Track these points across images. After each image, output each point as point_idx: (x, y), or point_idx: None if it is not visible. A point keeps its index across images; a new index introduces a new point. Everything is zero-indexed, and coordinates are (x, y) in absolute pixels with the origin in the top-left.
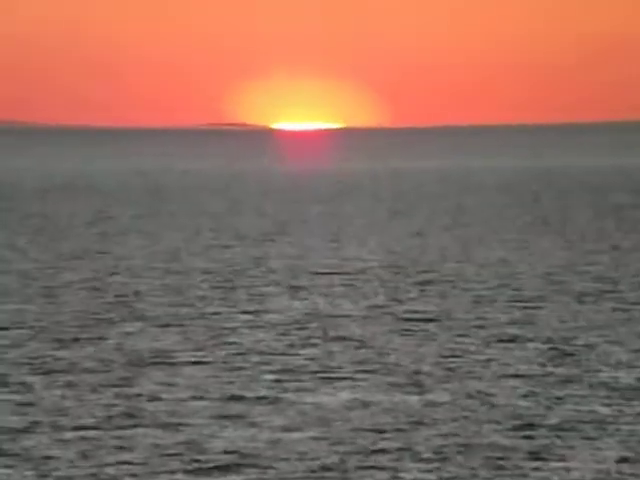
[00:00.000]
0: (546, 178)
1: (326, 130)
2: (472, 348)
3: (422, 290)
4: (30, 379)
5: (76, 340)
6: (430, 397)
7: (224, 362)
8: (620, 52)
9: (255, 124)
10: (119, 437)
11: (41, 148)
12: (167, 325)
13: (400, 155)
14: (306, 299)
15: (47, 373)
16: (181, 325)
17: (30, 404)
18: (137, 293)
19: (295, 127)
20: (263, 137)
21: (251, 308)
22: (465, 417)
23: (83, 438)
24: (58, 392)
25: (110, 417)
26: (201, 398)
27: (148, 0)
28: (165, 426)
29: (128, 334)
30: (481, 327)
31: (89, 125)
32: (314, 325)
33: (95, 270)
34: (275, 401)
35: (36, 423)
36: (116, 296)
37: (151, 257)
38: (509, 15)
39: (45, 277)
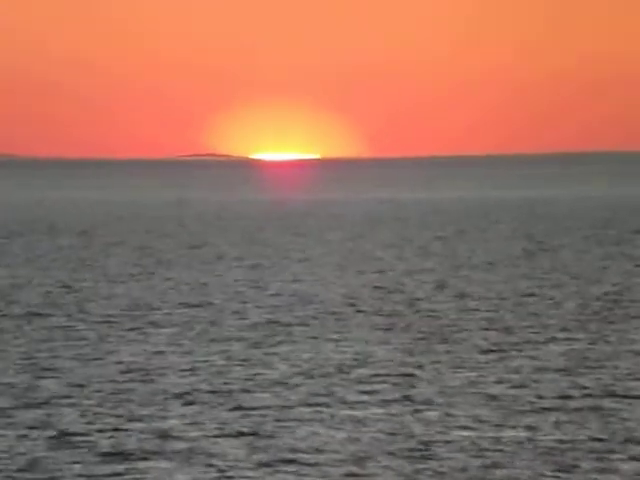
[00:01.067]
0: (534, 208)
1: (305, 160)
2: (520, 379)
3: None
4: (61, 411)
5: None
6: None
7: (250, 396)
8: (620, 80)
9: (235, 155)
10: (144, 472)
11: (24, 180)
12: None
13: (384, 185)
14: (326, 334)
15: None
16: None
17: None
18: (154, 324)
19: (274, 157)
20: (245, 167)
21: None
22: (488, 449)
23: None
24: (82, 420)
25: (136, 452)
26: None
27: (127, 32)
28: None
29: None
30: (527, 358)
31: (68, 157)
32: (351, 364)
33: (104, 308)
34: (309, 437)
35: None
36: (129, 329)
37: (152, 294)
38: (488, 42)
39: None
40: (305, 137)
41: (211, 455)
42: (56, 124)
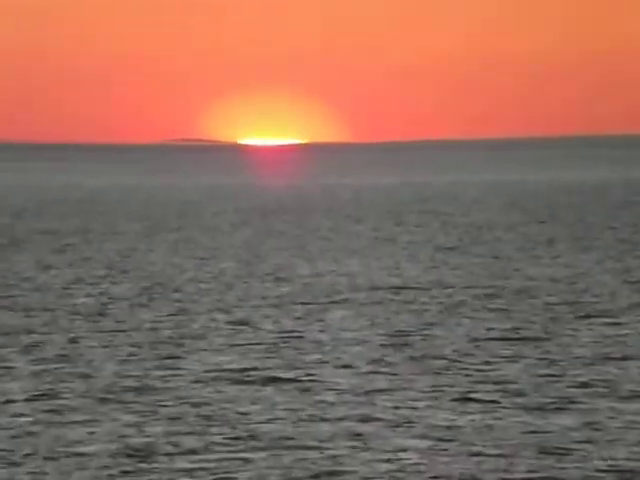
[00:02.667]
0: (534, 192)
1: (292, 145)
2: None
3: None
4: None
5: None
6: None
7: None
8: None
9: (224, 140)
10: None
11: (14, 164)
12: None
13: (375, 170)
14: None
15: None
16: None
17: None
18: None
19: (262, 143)
20: (235, 152)
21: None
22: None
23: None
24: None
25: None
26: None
27: (118, 20)
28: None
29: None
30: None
31: (59, 141)
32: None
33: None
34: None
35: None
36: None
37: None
38: (466, 30)
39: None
40: (292, 122)
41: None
42: (41, 107)
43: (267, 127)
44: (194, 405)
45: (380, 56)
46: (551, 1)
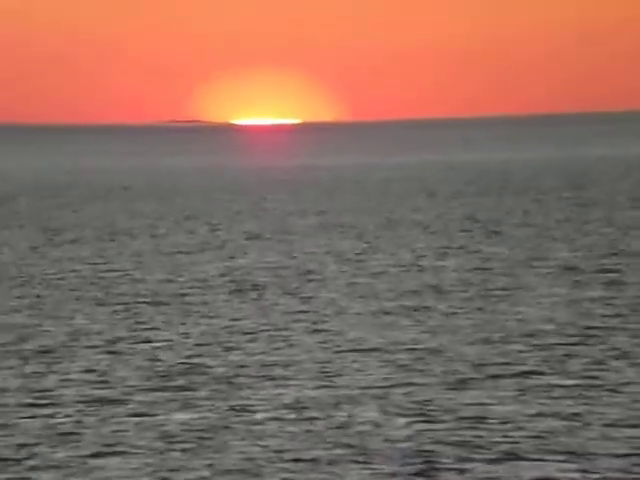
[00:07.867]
0: (527, 171)
1: (286, 125)
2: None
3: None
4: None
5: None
6: None
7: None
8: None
9: (215, 120)
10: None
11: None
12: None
13: (375, 150)
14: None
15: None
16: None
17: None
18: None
19: (254, 123)
20: (227, 133)
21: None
22: None
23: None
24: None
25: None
26: None
27: (107, 5)
28: None
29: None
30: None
31: (48, 123)
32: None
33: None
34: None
35: None
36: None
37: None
38: (465, 6)
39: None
40: (286, 102)
41: None
42: (33, 88)
43: (261, 107)
44: None
45: (376, 37)
46: None
